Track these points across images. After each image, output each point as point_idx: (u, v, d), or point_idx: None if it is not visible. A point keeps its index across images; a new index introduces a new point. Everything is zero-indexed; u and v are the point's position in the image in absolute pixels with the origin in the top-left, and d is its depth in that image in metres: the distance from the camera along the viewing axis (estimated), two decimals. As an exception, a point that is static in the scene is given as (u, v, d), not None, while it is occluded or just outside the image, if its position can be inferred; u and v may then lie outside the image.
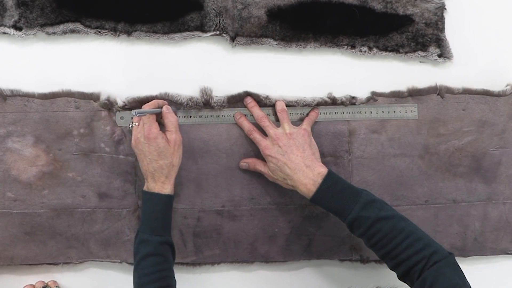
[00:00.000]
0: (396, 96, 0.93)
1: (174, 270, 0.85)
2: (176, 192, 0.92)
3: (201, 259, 0.94)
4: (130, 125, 0.88)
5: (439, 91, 0.94)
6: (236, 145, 0.92)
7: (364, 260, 0.96)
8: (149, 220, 0.85)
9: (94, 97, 0.91)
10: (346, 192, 0.82)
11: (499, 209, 0.96)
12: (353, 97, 0.93)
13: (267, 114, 0.91)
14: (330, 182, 0.83)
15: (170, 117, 0.87)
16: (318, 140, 0.91)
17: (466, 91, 0.94)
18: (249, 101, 0.91)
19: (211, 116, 0.92)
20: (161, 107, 0.88)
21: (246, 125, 0.91)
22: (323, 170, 0.84)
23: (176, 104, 0.91)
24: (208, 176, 0.93)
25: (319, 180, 0.83)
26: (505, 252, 0.97)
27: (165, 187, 0.86)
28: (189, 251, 0.94)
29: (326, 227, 0.95)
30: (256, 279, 0.97)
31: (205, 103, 0.91)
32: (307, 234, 0.95)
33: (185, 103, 0.90)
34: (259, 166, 0.90)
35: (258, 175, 0.92)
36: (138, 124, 0.87)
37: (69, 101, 0.90)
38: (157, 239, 0.83)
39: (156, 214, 0.85)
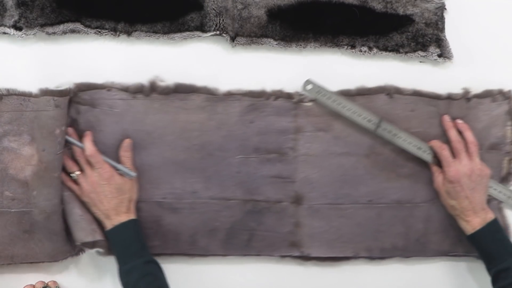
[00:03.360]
0: (345, 94, 0.92)
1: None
2: None
3: None
4: (75, 176, 0.88)
5: (388, 91, 0.93)
6: (180, 139, 0.91)
7: (305, 257, 0.95)
8: (126, 250, 0.86)
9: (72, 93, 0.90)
10: (505, 242, 0.86)
11: (442, 212, 0.95)
12: (301, 94, 0.92)
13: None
14: (494, 228, 0.87)
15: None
16: (263, 136, 0.92)
17: (416, 93, 0.93)
18: (448, 120, 0.92)
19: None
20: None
21: (437, 142, 0.91)
22: (492, 216, 0.88)
23: None
24: (151, 168, 0.92)
25: (485, 223, 0.86)
26: (447, 254, 0.96)
27: (130, 215, 0.88)
28: None
29: (268, 223, 0.94)
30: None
31: (151, 89, 0.90)
32: (248, 229, 0.94)
33: (132, 89, 0.90)
34: (436, 170, 0.91)
35: (201, 170, 0.92)
36: (81, 172, 0.88)
37: (48, 100, 0.88)
38: (140, 261, 0.85)
39: (131, 239, 0.86)
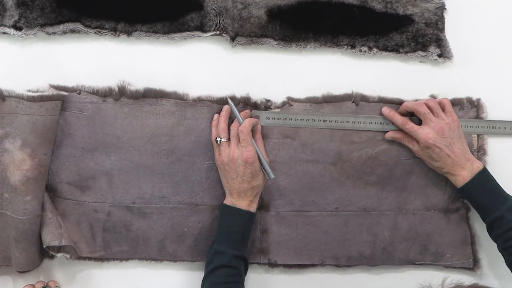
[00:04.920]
0: (311, 102, 0.93)
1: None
2: (88, 185, 0.92)
3: (109, 255, 0.93)
4: (219, 140, 0.88)
5: (354, 99, 0.93)
6: (149, 143, 0.91)
7: (272, 264, 0.95)
8: (228, 233, 0.87)
9: None
10: (496, 192, 0.86)
11: (409, 220, 0.95)
12: (268, 100, 0.92)
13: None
14: (483, 178, 0.87)
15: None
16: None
17: (381, 100, 0.93)
18: (387, 111, 0.91)
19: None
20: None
21: (399, 117, 0.90)
22: (479, 165, 0.88)
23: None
24: (120, 172, 0.92)
25: (474, 174, 0.86)
26: (413, 262, 0.96)
27: (252, 206, 0.88)
28: (97, 246, 0.93)
29: None
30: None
31: (121, 93, 0.90)
32: None
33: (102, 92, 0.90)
34: (409, 143, 0.90)
35: (169, 175, 0.92)
36: (227, 140, 0.88)
37: (57, 105, 0.88)
38: (233, 253, 0.85)
39: (236, 228, 0.86)
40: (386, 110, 0.91)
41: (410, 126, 0.89)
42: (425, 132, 0.87)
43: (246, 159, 0.85)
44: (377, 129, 0.92)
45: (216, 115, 0.90)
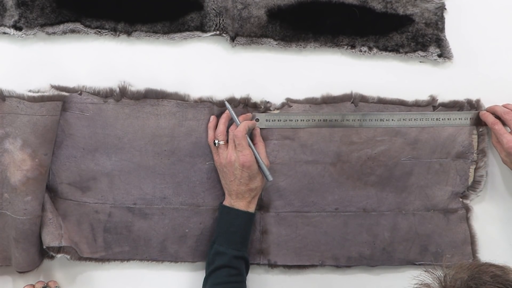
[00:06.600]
0: (310, 103, 0.93)
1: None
2: (89, 186, 0.92)
3: (110, 255, 0.94)
4: (217, 143, 0.88)
5: (353, 99, 0.93)
6: (150, 144, 0.91)
7: (272, 265, 0.95)
8: (227, 234, 0.87)
9: None
10: None
11: (409, 220, 0.95)
12: (268, 102, 0.92)
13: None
14: None
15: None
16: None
17: (381, 101, 0.93)
18: (485, 112, 0.93)
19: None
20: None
21: (492, 117, 0.91)
22: None
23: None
24: (121, 173, 0.92)
25: None
26: (413, 263, 0.96)
27: (251, 207, 0.89)
28: (98, 247, 0.93)
29: None
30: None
31: (122, 93, 0.90)
32: None
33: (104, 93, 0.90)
34: (497, 147, 0.91)
35: (171, 175, 0.92)
36: (225, 143, 0.88)
37: (58, 105, 0.88)
38: (233, 253, 0.86)
39: (236, 229, 0.87)
40: (482, 111, 0.93)
41: (499, 127, 0.90)
42: (510, 138, 0.88)
43: (242, 163, 0.86)
44: (378, 126, 0.93)
45: (212, 117, 0.91)
